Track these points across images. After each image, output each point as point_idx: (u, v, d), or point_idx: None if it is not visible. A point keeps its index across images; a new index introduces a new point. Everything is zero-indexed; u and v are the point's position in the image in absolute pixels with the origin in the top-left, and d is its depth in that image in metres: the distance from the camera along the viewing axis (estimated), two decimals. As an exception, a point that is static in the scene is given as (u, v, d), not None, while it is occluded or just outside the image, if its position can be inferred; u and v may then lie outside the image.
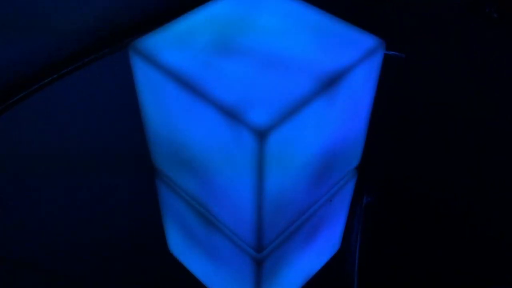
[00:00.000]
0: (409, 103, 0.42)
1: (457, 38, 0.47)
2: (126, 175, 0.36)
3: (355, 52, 0.22)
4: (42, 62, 0.34)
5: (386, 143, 0.38)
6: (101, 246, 0.35)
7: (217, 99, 0.20)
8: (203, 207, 0.26)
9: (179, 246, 0.32)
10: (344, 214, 0.31)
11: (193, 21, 0.24)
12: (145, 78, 0.23)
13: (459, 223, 0.35)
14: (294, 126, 0.20)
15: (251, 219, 0.23)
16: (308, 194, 0.25)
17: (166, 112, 0.23)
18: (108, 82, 0.34)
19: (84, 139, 0.35)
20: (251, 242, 0.24)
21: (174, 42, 0.23)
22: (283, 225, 0.25)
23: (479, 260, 0.33)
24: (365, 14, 0.43)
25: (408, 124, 0.41)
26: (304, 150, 0.22)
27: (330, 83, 0.21)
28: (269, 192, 0.21)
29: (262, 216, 0.22)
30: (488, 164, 0.39)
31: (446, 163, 0.39)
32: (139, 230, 0.35)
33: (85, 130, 0.35)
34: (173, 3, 0.36)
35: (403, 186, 0.37)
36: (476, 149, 0.40)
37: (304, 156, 0.23)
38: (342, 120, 0.24)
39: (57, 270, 0.34)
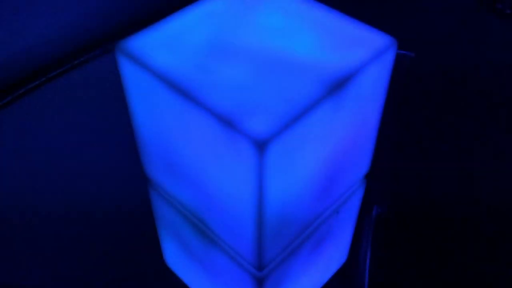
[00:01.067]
0: (420, 105, 0.40)
1: (468, 35, 0.45)
2: (120, 183, 0.34)
3: (365, 51, 0.20)
4: (30, 65, 0.32)
5: (396, 149, 0.36)
6: (94, 256, 0.33)
7: (212, 106, 0.18)
8: (199, 220, 0.25)
9: (175, 258, 0.31)
10: (352, 225, 0.29)
11: (186, 20, 0.22)
12: (133, 81, 0.21)
13: (478, 237, 0.33)
14: (297, 135, 0.19)
15: (251, 235, 0.21)
16: (313, 206, 0.24)
17: (157, 119, 0.22)
18: (99, 86, 0.32)
19: (74, 144, 0.33)
20: (252, 260, 0.23)
21: (164, 43, 0.21)
22: (286, 240, 0.23)
23: (500, 278, 0.31)
24: (371, 11, 0.41)
25: (419, 128, 0.39)
26: (308, 161, 0.21)
27: (337, 86, 0.19)
28: (270, 206, 0.20)
29: (263, 232, 0.21)
30: (507, 170, 0.37)
31: (464, 169, 0.37)
32: (133, 240, 0.34)
33: (76, 136, 0.33)
34: (164, 1, 0.35)
35: (416, 196, 0.35)
36: (494, 153, 0.38)
37: (309, 166, 0.21)
38: (351, 126, 0.22)
39: (48, 277, 0.32)
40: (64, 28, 0.31)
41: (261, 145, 0.17)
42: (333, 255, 0.30)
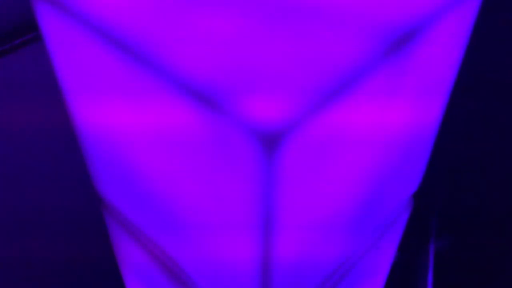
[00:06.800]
0: (482, 96, 0.33)
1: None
2: (71, 205, 0.28)
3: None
4: None
5: (457, 154, 0.29)
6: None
7: (181, 74, 0.13)
8: (171, 261, 0.19)
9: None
10: (390, 259, 0.24)
11: None
12: (57, 37, 0.16)
13: None
14: (324, 128, 0.14)
15: (250, 286, 0.17)
16: (344, 239, 0.18)
17: (97, 97, 0.16)
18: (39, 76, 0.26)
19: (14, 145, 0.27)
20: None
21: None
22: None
23: None
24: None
25: (484, 127, 0.32)
26: (338, 168, 0.16)
27: (393, 48, 0.14)
28: (279, 241, 0.15)
29: (268, 282, 0.16)
30: None
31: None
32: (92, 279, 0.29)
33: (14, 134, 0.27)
34: None
35: (491, 220, 0.27)
36: None
37: (338, 177, 0.16)
38: (406, 113, 0.17)
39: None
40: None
41: (269, 143, 0.13)
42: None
